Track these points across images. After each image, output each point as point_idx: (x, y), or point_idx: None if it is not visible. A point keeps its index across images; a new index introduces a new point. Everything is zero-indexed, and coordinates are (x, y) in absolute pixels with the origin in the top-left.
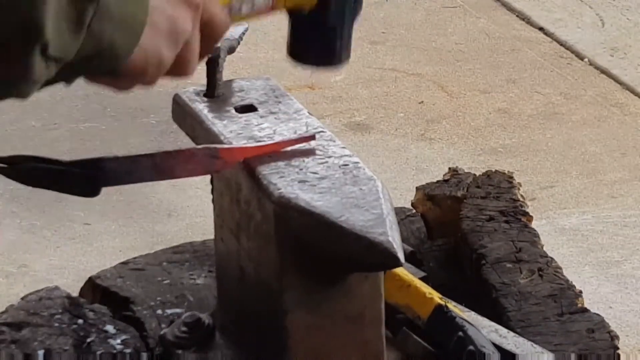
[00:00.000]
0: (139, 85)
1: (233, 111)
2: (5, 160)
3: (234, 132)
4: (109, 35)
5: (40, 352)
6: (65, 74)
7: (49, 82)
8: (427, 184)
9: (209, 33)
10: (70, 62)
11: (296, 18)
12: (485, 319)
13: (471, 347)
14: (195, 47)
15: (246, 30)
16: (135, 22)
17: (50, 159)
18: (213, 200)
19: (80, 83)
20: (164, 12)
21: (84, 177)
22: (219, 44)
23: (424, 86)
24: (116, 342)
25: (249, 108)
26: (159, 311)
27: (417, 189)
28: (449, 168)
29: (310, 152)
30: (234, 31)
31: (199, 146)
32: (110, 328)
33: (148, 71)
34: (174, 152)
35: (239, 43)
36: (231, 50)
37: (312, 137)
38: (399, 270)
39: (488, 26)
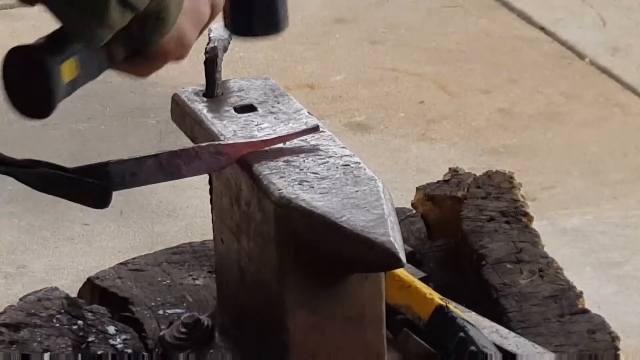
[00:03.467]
0: (157, 70)
1: (232, 111)
2: (19, 163)
3: (233, 132)
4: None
5: (46, 355)
6: (125, 38)
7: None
8: (428, 184)
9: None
10: (129, 31)
11: None
12: (485, 319)
13: (472, 348)
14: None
15: None
16: None
17: (61, 167)
18: (211, 201)
19: None
20: None
21: (95, 188)
22: (215, 44)
23: (424, 86)
24: (116, 342)
25: (249, 108)
26: (159, 312)
27: (418, 189)
28: (450, 168)
29: (313, 150)
30: (223, 31)
31: (203, 144)
32: (109, 328)
33: (172, 51)
34: (179, 151)
35: (229, 42)
36: (225, 49)
37: (316, 129)
38: (399, 271)
39: (489, 26)
